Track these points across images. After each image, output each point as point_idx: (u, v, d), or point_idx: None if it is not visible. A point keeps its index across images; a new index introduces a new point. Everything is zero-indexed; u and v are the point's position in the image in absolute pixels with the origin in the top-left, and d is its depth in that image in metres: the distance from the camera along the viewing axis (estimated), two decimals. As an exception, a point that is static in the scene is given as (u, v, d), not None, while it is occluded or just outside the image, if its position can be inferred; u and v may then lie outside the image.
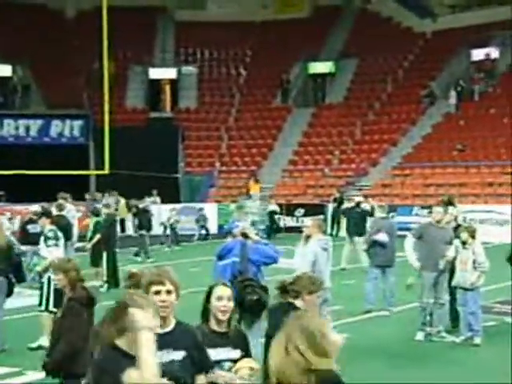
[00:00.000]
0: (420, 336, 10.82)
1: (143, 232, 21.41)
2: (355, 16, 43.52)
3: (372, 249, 13.13)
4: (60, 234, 10.90)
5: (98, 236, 16.37)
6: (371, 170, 34.07)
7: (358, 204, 20.59)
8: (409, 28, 41.10)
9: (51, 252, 10.51)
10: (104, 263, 16.20)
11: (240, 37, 42.42)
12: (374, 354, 10.21)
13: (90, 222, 17.10)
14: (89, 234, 16.74)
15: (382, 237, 13.07)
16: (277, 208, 30.07)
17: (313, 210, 28.78)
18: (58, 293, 10.16)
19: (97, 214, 17.16)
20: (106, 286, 15.94)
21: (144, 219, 21.55)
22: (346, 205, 22.66)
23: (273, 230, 28.99)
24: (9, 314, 10.82)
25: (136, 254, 21.14)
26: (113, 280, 16.04)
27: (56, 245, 10.59)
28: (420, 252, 10.89)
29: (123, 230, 27.91)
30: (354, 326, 12.04)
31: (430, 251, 10.68)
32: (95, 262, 16.44)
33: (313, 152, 36.59)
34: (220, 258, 8.39)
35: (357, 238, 18.64)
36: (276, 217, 30.15)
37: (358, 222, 19.41)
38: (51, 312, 10.45)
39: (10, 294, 10.42)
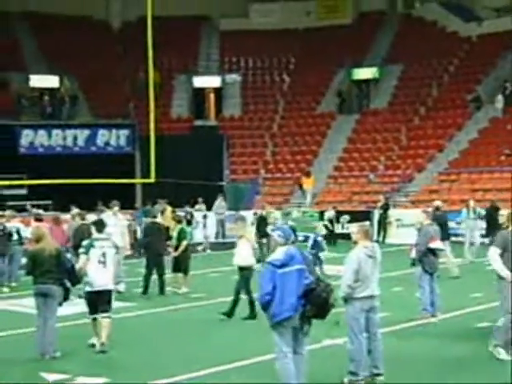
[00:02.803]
0: (504, 355, 10.01)
1: (263, 240, 21.09)
2: (399, 21, 43.32)
3: (425, 257, 13.04)
4: (96, 243, 10.96)
5: (184, 243, 16.60)
6: (417, 175, 33.80)
7: (437, 208, 20.00)
8: (454, 32, 40.71)
9: (79, 260, 10.90)
10: (145, 269, 16.52)
11: (283, 44, 42.50)
12: (432, 362, 10.11)
13: (175, 230, 17.21)
14: (174, 242, 16.87)
15: (438, 244, 13.21)
16: (333, 214, 29.49)
17: (358, 216, 28.57)
18: (88, 299, 10.77)
19: (179, 221, 17.48)
20: (142, 289, 16.23)
21: (263, 227, 21.32)
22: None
23: (332, 237, 28.61)
24: (60, 321, 10.95)
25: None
26: (147, 285, 16.25)
27: (84, 253, 10.80)
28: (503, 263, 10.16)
29: (169, 238, 28.03)
30: (404, 333, 11.96)
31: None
32: (176, 268, 16.59)
33: (358, 158, 36.43)
34: (282, 266, 7.96)
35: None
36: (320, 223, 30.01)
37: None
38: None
39: (66, 299, 10.62)
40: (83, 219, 16.11)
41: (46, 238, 10.69)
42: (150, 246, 16.70)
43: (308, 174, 34.60)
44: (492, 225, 20.87)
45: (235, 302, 13.27)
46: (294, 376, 7.89)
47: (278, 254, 8.02)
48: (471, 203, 22.58)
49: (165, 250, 16.95)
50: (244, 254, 13.33)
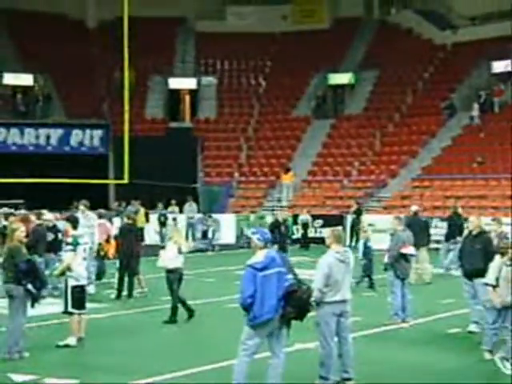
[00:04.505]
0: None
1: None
2: (375, 27, 43.51)
3: (396, 262, 13.11)
4: (80, 240, 11.19)
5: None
6: (390, 181, 33.94)
7: (415, 213, 19.87)
8: (429, 40, 40.99)
9: (67, 257, 11.12)
10: (116, 272, 16.33)
11: (260, 48, 42.51)
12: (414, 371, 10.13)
13: None
14: None
15: (410, 250, 13.31)
16: (309, 218, 29.75)
17: (331, 221, 28.63)
18: (76, 294, 10.92)
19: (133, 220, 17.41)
20: (115, 293, 16.02)
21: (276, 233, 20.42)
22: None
23: (306, 241, 28.80)
24: (28, 321, 10.83)
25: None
26: (121, 289, 16.07)
27: (73, 250, 11.02)
28: None
29: (142, 239, 27.92)
30: (375, 338, 11.99)
31: None
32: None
33: (332, 163, 36.52)
34: (262, 269, 7.98)
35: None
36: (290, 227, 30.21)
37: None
38: (71, 313, 11.04)
39: (35, 300, 10.38)
40: (39, 218, 16.04)
41: (10, 235, 10.52)
42: (123, 247, 16.38)
43: (287, 170, 35.17)
44: (453, 231, 21.06)
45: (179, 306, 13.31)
46: (244, 374, 8.02)
47: (259, 257, 8.05)
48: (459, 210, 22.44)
49: (138, 252, 16.79)
50: (169, 256, 13.30)
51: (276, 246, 19.71)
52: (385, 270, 13.65)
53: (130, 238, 16.41)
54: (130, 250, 16.24)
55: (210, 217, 29.19)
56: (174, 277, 13.24)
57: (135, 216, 18.69)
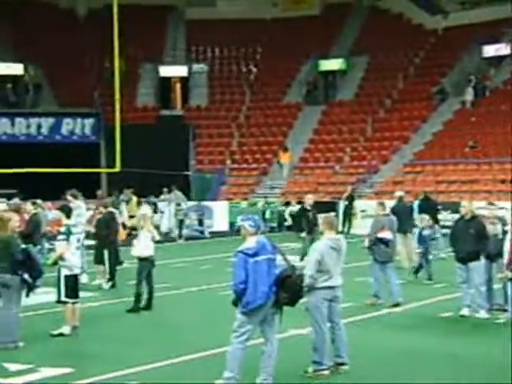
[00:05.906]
0: None
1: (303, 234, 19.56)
2: (366, 13, 43.47)
3: (375, 246, 13.23)
4: (73, 230, 11.19)
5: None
6: (382, 167, 34.01)
7: (400, 199, 19.70)
8: (420, 25, 41.00)
9: (60, 246, 11.02)
10: (106, 261, 16.16)
11: (250, 34, 42.44)
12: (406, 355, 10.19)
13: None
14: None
15: (387, 234, 13.36)
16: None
17: (324, 207, 28.64)
18: (69, 283, 10.92)
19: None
20: (109, 283, 15.93)
21: (305, 220, 20.01)
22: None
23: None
24: (22, 311, 10.85)
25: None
26: (114, 277, 15.98)
27: (66, 239, 11.00)
28: None
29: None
30: (367, 322, 12.06)
31: None
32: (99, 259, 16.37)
33: (324, 149, 36.56)
34: (254, 255, 8.02)
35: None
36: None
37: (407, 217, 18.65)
38: (65, 302, 11.05)
39: (30, 289, 10.42)
40: (36, 207, 16.10)
41: (4, 225, 10.48)
42: (107, 236, 16.22)
43: (285, 149, 35.34)
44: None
45: (150, 294, 13.35)
46: (237, 362, 8.07)
47: (250, 243, 8.11)
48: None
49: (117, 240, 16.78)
50: (142, 245, 13.34)
51: (304, 234, 19.60)
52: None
53: (113, 226, 16.37)
54: (114, 238, 16.28)
55: (179, 205, 28.63)
56: (145, 265, 13.28)
57: (110, 204, 18.58)
